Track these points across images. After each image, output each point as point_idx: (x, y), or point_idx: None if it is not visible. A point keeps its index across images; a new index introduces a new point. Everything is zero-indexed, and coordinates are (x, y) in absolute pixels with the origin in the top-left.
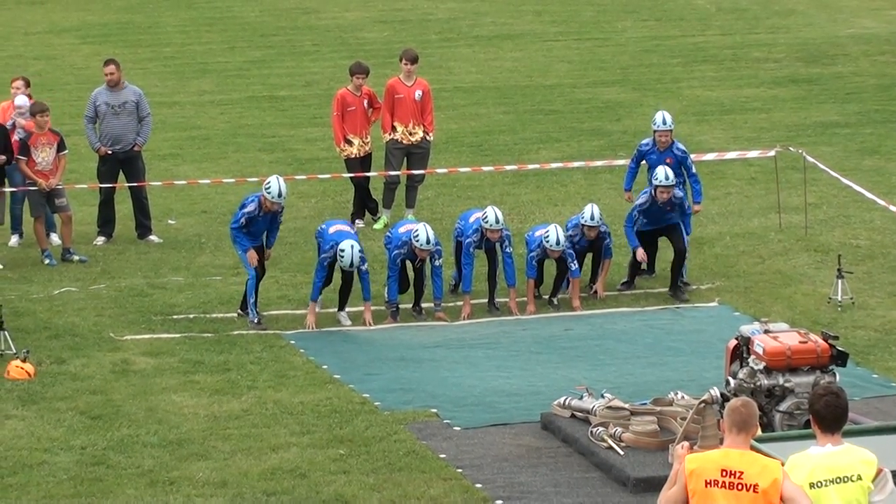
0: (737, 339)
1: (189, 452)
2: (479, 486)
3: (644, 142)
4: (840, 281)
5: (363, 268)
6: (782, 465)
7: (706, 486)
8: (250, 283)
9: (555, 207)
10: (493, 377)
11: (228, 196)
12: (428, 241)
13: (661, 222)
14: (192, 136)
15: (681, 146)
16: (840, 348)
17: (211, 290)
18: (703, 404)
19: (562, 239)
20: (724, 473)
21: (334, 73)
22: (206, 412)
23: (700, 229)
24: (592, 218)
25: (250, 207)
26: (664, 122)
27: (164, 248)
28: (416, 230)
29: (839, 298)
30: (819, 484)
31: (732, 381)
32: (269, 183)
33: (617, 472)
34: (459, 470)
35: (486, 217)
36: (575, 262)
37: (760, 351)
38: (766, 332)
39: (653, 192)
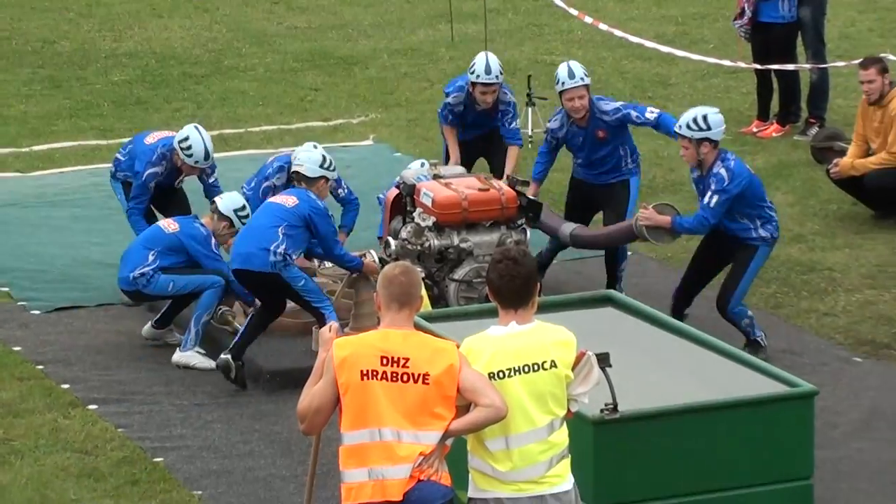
0: (398, 187)
1: None
2: (65, 386)
3: (551, 120)
4: (531, 109)
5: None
6: (458, 347)
7: (363, 378)
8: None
9: None
10: (83, 244)
11: None
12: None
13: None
14: None
15: (607, 106)
16: (531, 197)
17: None
18: (355, 274)
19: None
20: (384, 361)
21: None
22: None
23: (350, 45)
24: (489, 72)
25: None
26: (571, 76)
27: None
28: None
29: (530, 132)
30: (501, 374)
31: (394, 243)
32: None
33: (246, 363)
34: (40, 367)
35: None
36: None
37: (428, 202)
38: (437, 177)
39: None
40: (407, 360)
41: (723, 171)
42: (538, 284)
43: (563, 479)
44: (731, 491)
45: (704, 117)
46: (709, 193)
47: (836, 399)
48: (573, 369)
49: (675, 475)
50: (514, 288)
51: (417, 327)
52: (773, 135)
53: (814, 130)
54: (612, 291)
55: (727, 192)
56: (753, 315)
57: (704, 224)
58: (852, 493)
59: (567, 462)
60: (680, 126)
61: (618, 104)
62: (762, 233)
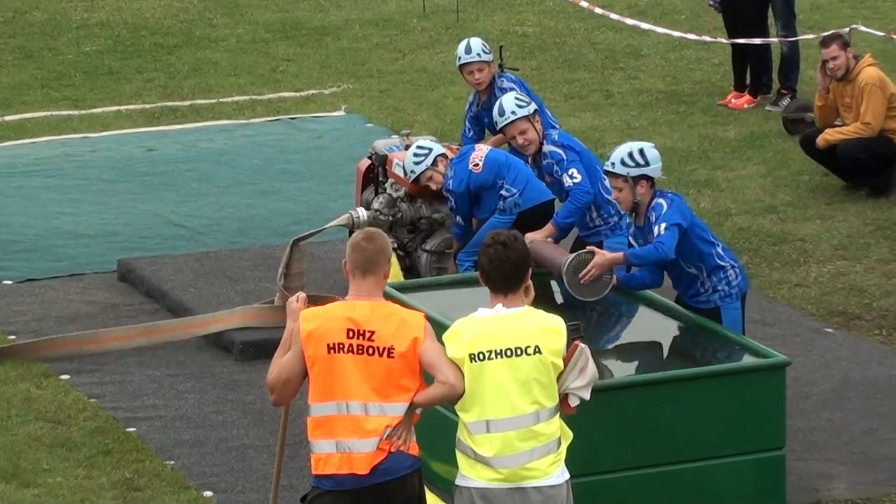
0: (370, 157)
1: None
2: None
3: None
4: None
5: None
6: (426, 317)
7: (329, 351)
8: None
9: None
10: (55, 214)
11: None
12: None
13: None
14: None
15: (505, 84)
16: None
17: None
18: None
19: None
20: (350, 334)
21: None
22: None
23: (321, 15)
24: (469, 51)
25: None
26: (467, 51)
27: None
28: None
29: None
30: (482, 355)
31: (365, 213)
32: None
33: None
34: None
35: None
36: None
37: (401, 173)
38: (408, 148)
39: None
40: (372, 333)
41: (663, 202)
42: (529, 269)
43: (547, 474)
44: (703, 461)
45: (641, 151)
46: (655, 228)
47: (808, 370)
48: (566, 363)
49: (648, 446)
50: (503, 272)
51: (388, 298)
52: (745, 106)
53: (785, 101)
54: None
55: (674, 219)
56: None
57: (661, 250)
58: (824, 463)
59: (555, 456)
60: (612, 164)
61: (511, 86)
62: (718, 289)
